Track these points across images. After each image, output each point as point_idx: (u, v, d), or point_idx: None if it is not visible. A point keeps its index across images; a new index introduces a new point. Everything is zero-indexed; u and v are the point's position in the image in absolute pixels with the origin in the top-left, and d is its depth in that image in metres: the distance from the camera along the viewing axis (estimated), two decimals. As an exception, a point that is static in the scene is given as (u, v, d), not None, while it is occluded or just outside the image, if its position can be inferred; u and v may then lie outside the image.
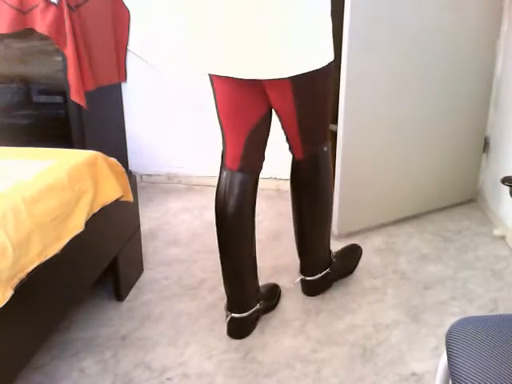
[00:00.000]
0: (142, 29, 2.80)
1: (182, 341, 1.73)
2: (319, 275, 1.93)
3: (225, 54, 1.48)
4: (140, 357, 1.66)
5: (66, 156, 1.70)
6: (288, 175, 1.83)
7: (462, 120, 2.61)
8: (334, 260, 1.98)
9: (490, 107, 2.59)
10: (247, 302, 1.75)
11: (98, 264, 1.76)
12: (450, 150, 2.66)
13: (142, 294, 1.99)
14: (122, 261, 1.89)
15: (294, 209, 1.86)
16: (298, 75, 1.46)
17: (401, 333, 1.75)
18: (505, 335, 0.95)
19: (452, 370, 0.92)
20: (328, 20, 1.53)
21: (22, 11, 2.34)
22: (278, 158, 2.02)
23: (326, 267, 1.94)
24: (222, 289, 1.98)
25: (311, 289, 1.96)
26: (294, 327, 1.79)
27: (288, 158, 1.82)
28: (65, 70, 2.42)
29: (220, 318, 1.84)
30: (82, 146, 2.47)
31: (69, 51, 2.34)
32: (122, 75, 2.86)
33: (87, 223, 1.56)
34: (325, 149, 1.74)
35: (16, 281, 1.26)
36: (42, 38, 2.40)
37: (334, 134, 2.31)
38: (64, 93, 2.51)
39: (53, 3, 2.30)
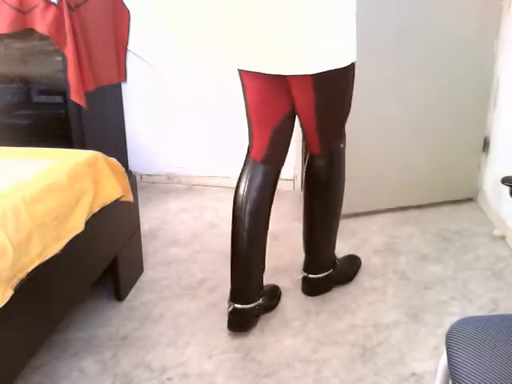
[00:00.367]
0: (142, 29, 2.80)
1: (182, 341, 1.73)
2: (322, 274, 1.93)
3: (254, 50, 1.58)
4: (140, 357, 1.66)
5: (66, 156, 1.70)
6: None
7: (462, 120, 2.61)
8: (337, 263, 1.98)
9: (489, 107, 2.59)
10: (251, 295, 1.77)
11: (98, 264, 1.76)
12: (450, 149, 2.66)
13: (142, 294, 1.99)
14: (121, 261, 1.89)
15: (305, 205, 1.89)
16: (320, 73, 1.54)
17: (401, 333, 1.75)
18: (505, 335, 0.95)
19: (452, 370, 0.92)
20: (352, 21, 1.60)
21: (22, 11, 2.34)
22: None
23: (329, 268, 1.94)
24: (222, 289, 1.99)
25: (312, 288, 1.96)
26: (294, 327, 1.79)
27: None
28: (65, 70, 2.42)
29: (220, 317, 1.83)
30: (82, 146, 2.47)
31: (69, 51, 2.34)
32: (122, 75, 2.86)
33: (87, 223, 1.56)
34: (341, 145, 1.81)
35: (16, 281, 1.26)
36: (42, 38, 2.40)
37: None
38: (64, 93, 2.51)
39: (53, 3, 2.30)
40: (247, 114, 1.78)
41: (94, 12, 2.50)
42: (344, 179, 1.87)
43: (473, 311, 1.84)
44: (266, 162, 1.74)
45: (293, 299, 1.94)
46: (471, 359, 0.91)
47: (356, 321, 1.81)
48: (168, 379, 1.56)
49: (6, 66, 2.63)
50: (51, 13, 2.30)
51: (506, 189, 1.28)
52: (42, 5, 2.30)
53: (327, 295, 1.96)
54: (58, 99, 2.60)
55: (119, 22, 2.74)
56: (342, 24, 1.56)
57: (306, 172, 1.86)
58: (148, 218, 2.59)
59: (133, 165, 3.09)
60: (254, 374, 1.58)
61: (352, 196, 2.41)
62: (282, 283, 2.02)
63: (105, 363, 1.63)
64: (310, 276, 1.94)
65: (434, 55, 2.49)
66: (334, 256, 1.98)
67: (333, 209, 1.88)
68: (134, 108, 3.00)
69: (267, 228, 1.80)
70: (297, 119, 1.78)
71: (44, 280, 1.40)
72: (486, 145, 2.65)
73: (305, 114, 1.71)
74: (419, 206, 2.66)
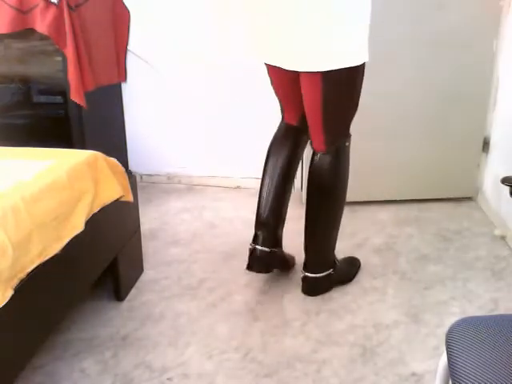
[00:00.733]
0: (142, 29, 2.80)
1: (182, 341, 1.73)
2: (322, 274, 1.93)
3: (272, 47, 1.75)
4: (140, 357, 1.66)
5: (65, 156, 1.70)
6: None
7: (462, 120, 2.61)
8: (337, 263, 1.98)
9: (489, 107, 2.59)
10: (273, 240, 1.96)
11: (98, 264, 1.76)
12: (450, 149, 2.67)
13: (142, 294, 1.99)
14: (121, 261, 1.89)
15: (307, 203, 1.90)
16: (329, 71, 1.64)
17: (401, 333, 1.75)
18: (505, 335, 0.95)
19: (452, 370, 0.92)
20: (364, 22, 1.67)
21: (22, 11, 2.34)
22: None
23: (329, 268, 1.94)
24: (222, 289, 2.00)
25: (312, 288, 1.96)
26: (294, 327, 1.79)
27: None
28: (65, 70, 2.42)
29: (220, 317, 1.84)
30: (82, 146, 2.47)
31: (69, 51, 2.34)
32: (122, 75, 2.86)
33: (87, 223, 1.56)
34: (346, 144, 1.85)
35: (16, 281, 1.26)
36: (42, 38, 2.40)
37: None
38: (64, 93, 2.51)
39: (53, 3, 2.30)
40: (276, 95, 1.98)
41: (93, 12, 2.50)
42: (347, 178, 1.88)
43: (473, 311, 1.84)
44: (295, 122, 1.95)
45: (293, 299, 1.94)
46: (471, 359, 0.91)
47: (356, 321, 1.81)
48: (168, 379, 1.56)
49: (5, 66, 2.63)
50: (51, 13, 2.30)
51: (506, 189, 1.28)
52: (41, 5, 2.30)
53: (327, 295, 1.96)
54: (58, 99, 2.60)
55: (119, 22, 2.74)
56: (354, 24, 1.64)
57: (310, 169, 1.87)
58: (148, 218, 2.59)
59: (133, 165, 3.09)
60: (254, 374, 1.58)
61: (355, 185, 2.49)
62: (282, 283, 2.02)
63: (105, 363, 1.63)
64: (310, 275, 1.94)
65: (433, 55, 2.49)
66: (334, 256, 1.98)
67: (335, 207, 1.89)
68: (134, 108, 3.00)
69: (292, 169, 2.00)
70: None
71: (44, 280, 1.40)
72: (485, 145, 2.65)
73: (312, 111, 1.78)
74: (419, 201, 2.68)
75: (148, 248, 2.29)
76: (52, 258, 1.39)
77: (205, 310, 1.88)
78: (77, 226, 1.52)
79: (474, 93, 2.56)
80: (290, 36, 1.66)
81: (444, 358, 1.03)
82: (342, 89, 1.73)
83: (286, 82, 1.85)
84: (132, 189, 1.88)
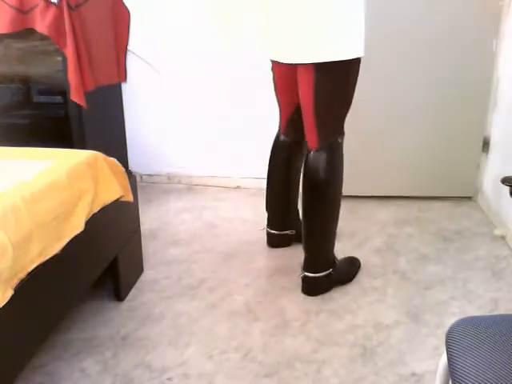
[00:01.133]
0: (142, 29, 2.80)
1: (182, 341, 1.73)
2: (321, 274, 1.93)
3: (270, 41, 1.84)
4: (140, 357, 1.66)
5: (65, 156, 1.70)
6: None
7: (462, 120, 2.61)
8: (337, 263, 1.98)
9: (489, 107, 2.59)
10: (282, 224, 2.23)
11: (98, 264, 1.76)
12: (450, 149, 2.67)
13: (142, 294, 1.99)
14: (121, 261, 1.89)
15: (303, 201, 1.90)
16: (320, 64, 1.69)
17: (401, 333, 1.75)
18: (505, 335, 0.95)
19: (452, 370, 0.92)
20: (358, 17, 1.70)
21: (22, 11, 2.34)
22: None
23: (328, 267, 1.94)
24: (222, 289, 2.00)
25: (311, 287, 1.96)
26: (294, 327, 1.79)
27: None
28: (65, 70, 2.41)
29: (220, 317, 1.84)
30: (82, 146, 2.47)
31: (69, 51, 2.34)
32: (122, 75, 2.86)
33: (87, 223, 1.56)
34: (339, 140, 1.85)
35: (16, 281, 1.26)
36: (42, 37, 2.40)
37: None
38: (64, 93, 2.51)
39: (53, 3, 2.30)
40: (276, 95, 2.06)
41: (93, 12, 2.50)
42: (341, 174, 1.89)
43: (473, 311, 1.84)
44: (283, 133, 2.09)
45: (293, 299, 1.94)
46: (471, 359, 0.91)
47: (356, 321, 1.81)
48: (168, 379, 1.56)
49: (5, 66, 2.63)
50: (51, 13, 2.30)
51: (506, 189, 1.28)
52: (41, 5, 2.30)
53: (327, 295, 1.96)
54: (58, 99, 2.60)
55: (119, 22, 2.73)
56: (347, 18, 1.67)
57: (304, 167, 1.88)
58: (148, 218, 2.59)
59: (133, 165, 3.09)
60: (254, 374, 1.58)
61: (355, 180, 2.54)
62: (282, 283, 2.02)
63: (105, 363, 1.63)
64: (310, 275, 1.94)
65: (433, 55, 2.49)
66: (334, 256, 1.98)
67: (330, 204, 1.89)
68: (134, 108, 3.00)
69: (285, 180, 2.16)
70: None
71: (44, 280, 1.40)
72: (485, 145, 2.65)
73: (305, 105, 1.81)
74: (419, 200, 2.71)
75: (148, 248, 2.29)
76: (52, 258, 1.39)
77: (205, 310, 1.88)
78: (77, 225, 1.52)
79: (474, 93, 2.56)
80: (285, 29, 1.72)
81: (444, 358, 1.03)
82: (333, 83, 1.75)
83: (284, 77, 1.92)
84: (132, 189, 1.88)
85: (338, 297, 1.95)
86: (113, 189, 1.73)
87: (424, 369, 1.58)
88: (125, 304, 1.93)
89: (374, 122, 2.63)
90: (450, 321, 1.19)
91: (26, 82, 2.65)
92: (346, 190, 2.70)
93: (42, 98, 2.67)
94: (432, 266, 2.15)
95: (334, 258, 1.98)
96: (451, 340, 0.97)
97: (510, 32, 2.40)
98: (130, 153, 3.08)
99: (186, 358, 1.65)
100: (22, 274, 1.29)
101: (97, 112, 2.65)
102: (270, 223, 2.27)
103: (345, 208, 2.64)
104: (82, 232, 1.53)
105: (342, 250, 2.24)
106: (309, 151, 1.86)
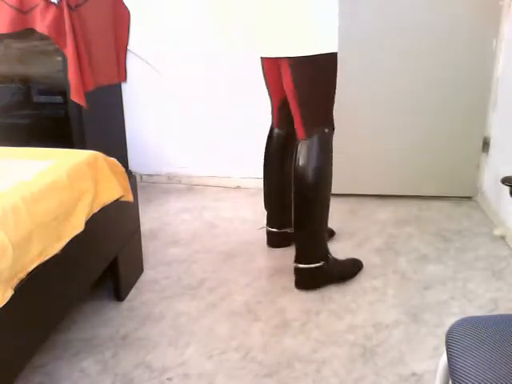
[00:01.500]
0: (142, 29, 2.80)
1: (182, 341, 1.73)
2: (312, 265, 1.94)
3: (252, 37, 1.91)
4: (140, 357, 1.66)
5: (65, 156, 1.70)
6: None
7: (462, 120, 2.61)
8: (330, 257, 1.98)
9: (489, 107, 2.59)
10: (279, 222, 2.22)
11: (98, 264, 1.76)
12: (450, 149, 2.67)
13: (142, 294, 1.99)
14: (122, 261, 1.89)
15: (293, 193, 1.93)
16: (296, 58, 1.76)
17: (401, 333, 1.75)
18: (505, 335, 0.95)
19: (452, 370, 0.92)
20: (332, 15, 1.75)
21: (22, 11, 2.34)
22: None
23: (320, 259, 1.95)
24: (222, 289, 2.00)
25: (303, 280, 1.97)
26: (294, 327, 1.79)
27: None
28: (65, 70, 2.42)
29: (220, 317, 1.84)
30: (82, 146, 2.47)
31: (69, 51, 2.34)
32: (122, 75, 2.86)
33: (87, 223, 1.56)
34: (325, 130, 1.89)
35: (16, 281, 1.26)
36: (42, 37, 2.40)
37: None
38: (64, 93, 2.51)
39: (53, 3, 2.30)
40: (266, 89, 2.10)
41: (93, 12, 2.50)
42: (329, 164, 1.92)
43: (473, 311, 1.84)
44: (276, 126, 2.12)
45: (293, 299, 1.94)
46: (471, 359, 0.90)
47: (356, 321, 1.81)
48: (168, 379, 1.56)
49: (6, 66, 2.63)
50: (51, 13, 2.30)
51: (506, 189, 1.28)
52: (41, 5, 2.30)
53: (327, 295, 1.96)
54: (58, 99, 2.60)
55: (119, 22, 2.74)
56: (319, 15, 1.73)
57: (294, 158, 1.92)
58: (148, 218, 2.59)
59: (133, 165, 3.09)
60: (253, 374, 1.58)
61: (355, 178, 2.58)
62: (281, 283, 2.02)
63: (105, 363, 1.63)
64: (300, 266, 1.95)
65: (433, 55, 2.49)
66: (326, 249, 1.99)
67: (318, 195, 1.91)
68: (134, 108, 3.00)
69: (280, 174, 2.16)
70: None
71: (44, 280, 1.40)
72: (485, 145, 2.65)
73: (289, 97, 1.88)
74: (419, 200, 2.72)
75: (148, 248, 2.29)
76: (52, 257, 1.39)
77: (205, 310, 1.88)
78: (77, 225, 1.52)
79: (474, 93, 2.56)
80: (263, 23, 1.81)
81: (444, 358, 1.03)
82: (310, 77, 1.81)
83: (272, 71, 1.97)
84: (132, 189, 1.88)
85: (338, 297, 1.95)
86: (113, 189, 1.73)
87: (424, 369, 1.58)
88: (125, 304, 1.93)
89: (374, 121, 2.63)
90: (450, 321, 1.20)
91: (26, 82, 2.65)
92: (346, 188, 2.74)
93: (42, 98, 2.67)
94: (432, 266, 2.15)
95: (326, 251, 1.99)
96: (451, 340, 0.97)
97: (509, 32, 2.40)
98: (130, 153, 3.09)
99: (186, 358, 1.65)
100: (22, 274, 1.29)
101: (97, 112, 2.65)
102: (269, 221, 2.27)
103: (345, 208, 2.67)
104: (82, 232, 1.53)
105: (342, 249, 2.24)
106: (298, 142, 1.91)
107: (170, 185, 3.08)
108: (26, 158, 1.70)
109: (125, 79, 2.89)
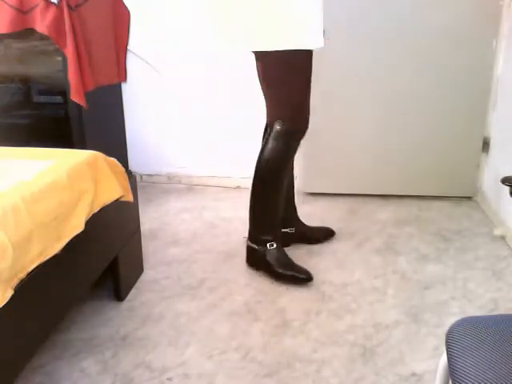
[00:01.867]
0: (142, 29, 2.80)
1: (182, 341, 1.73)
2: (255, 246, 2.06)
3: (227, 35, 1.89)
4: (140, 357, 1.66)
5: (65, 156, 1.70)
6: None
7: (462, 120, 2.61)
8: (269, 248, 2.03)
9: (489, 107, 2.59)
10: (282, 221, 2.16)
11: (98, 264, 1.76)
12: (450, 149, 2.67)
13: (142, 294, 1.99)
14: (122, 261, 1.89)
15: None
16: (262, 52, 1.79)
17: (401, 333, 1.75)
18: (505, 335, 0.95)
19: (452, 370, 0.92)
20: (303, 12, 1.73)
21: (22, 11, 2.34)
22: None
23: (259, 243, 2.05)
24: (222, 289, 2.00)
25: (249, 256, 2.13)
26: (294, 327, 1.79)
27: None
28: (65, 70, 2.42)
29: (220, 317, 1.84)
30: (82, 146, 2.47)
31: (69, 51, 2.34)
32: (122, 75, 2.86)
33: (87, 223, 1.56)
34: (277, 127, 1.92)
35: (16, 281, 1.26)
36: (42, 37, 2.40)
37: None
38: (64, 93, 2.51)
39: (53, 3, 2.30)
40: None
41: (93, 12, 2.50)
42: (279, 161, 1.96)
43: (473, 311, 1.84)
44: (268, 124, 2.04)
45: (293, 299, 1.94)
46: (471, 359, 0.90)
47: (356, 321, 1.81)
48: (168, 379, 1.56)
49: (5, 66, 2.63)
50: (51, 13, 2.30)
51: (506, 189, 1.28)
52: (41, 5, 2.30)
53: (327, 295, 1.96)
54: (58, 99, 2.60)
55: (119, 22, 2.74)
56: (285, 11, 1.72)
57: None
58: (148, 218, 2.59)
59: (133, 165, 3.09)
60: (253, 374, 1.58)
61: (356, 178, 2.60)
62: (282, 283, 2.02)
63: (105, 363, 1.63)
64: (248, 243, 2.10)
65: (433, 55, 2.50)
66: (269, 238, 2.04)
67: (261, 185, 1.99)
68: (134, 108, 3.00)
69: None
70: None
71: (44, 280, 1.40)
72: (485, 145, 2.65)
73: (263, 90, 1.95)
74: (419, 200, 2.72)
75: (148, 248, 2.29)
76: (52, 257, 1.39)
77: (205, 310, 1.89)
78: (77, 225, 1.52)
79: (474, 93, 2.56)
80: (234, 19, 1.81)
81: (444, 358, 1.03)
82: (276, 72, 1.84)
83: (258, 66, 1.98)
84: (132, 189, 1.88)
85: (338, 297, 1.95)
86: (113, 189, 1.73)
87: (424, 369, 1.58)
88: (125, 304, 1.93)
89: (373, 121, 2.63)
90: (450, 321, 1.20)
91: (26, 82, 2.65)
92: (346, 188, 2.73)
93: (42, 98, 2.67)
94: (432, 265, 2.15)
95: (268, 240, 2.04)
96: (451, 340, 0.97)
97: (509, 32, 2.40)
98: (130, 153, 3.09)
99: (186, 358, 1.65)
100: (22, 274, 1.29)
101: (97, 112, 2.65)
102: None
103: (345, 208, 2.67)
104: (82, 232, 1.53)
105: (342, 249, 2.24)
106: None
107: (170, 185, 3.08)
108: (26, 158, 1.70)
109: (125, 79, 2.89)
